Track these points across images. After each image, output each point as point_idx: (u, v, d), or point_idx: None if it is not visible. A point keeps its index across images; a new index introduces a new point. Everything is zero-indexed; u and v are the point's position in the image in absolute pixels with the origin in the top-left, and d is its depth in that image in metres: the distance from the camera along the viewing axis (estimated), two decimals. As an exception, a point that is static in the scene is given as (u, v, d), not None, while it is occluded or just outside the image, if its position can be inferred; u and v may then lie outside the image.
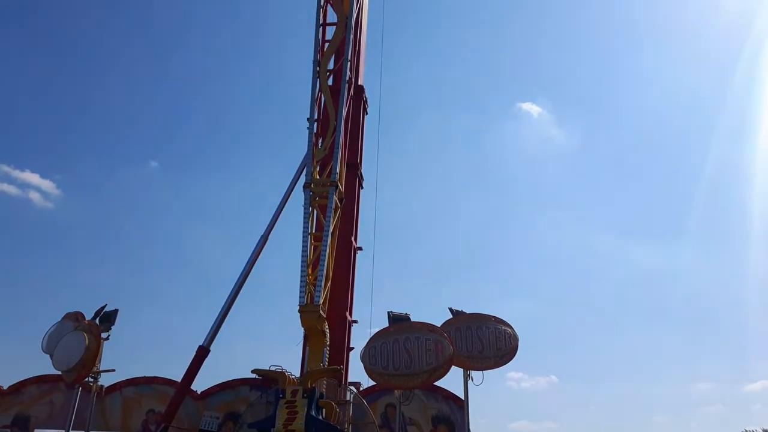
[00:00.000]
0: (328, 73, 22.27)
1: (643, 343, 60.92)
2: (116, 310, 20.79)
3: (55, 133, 68.61)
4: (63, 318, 20.75)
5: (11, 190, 61.25)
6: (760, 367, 56.06)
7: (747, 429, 33.78)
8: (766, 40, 68.65)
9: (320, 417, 15.49)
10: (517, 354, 18.62)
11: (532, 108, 79.88)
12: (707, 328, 64.73)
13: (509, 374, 57.23)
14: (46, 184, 63.94)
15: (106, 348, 20.29)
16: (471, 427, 18.18)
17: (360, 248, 23.96)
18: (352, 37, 22.45)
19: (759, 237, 61.02)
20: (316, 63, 21.61)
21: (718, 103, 76.06)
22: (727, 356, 60.01)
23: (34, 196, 63.58)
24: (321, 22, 22.68)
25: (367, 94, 26.20)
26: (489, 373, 18.47)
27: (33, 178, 62.95)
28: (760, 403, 56.72)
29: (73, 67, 71.80)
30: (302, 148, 20.46)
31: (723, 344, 62.11)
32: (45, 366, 20.66)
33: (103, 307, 20.78)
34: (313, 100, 21.00)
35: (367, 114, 26.24)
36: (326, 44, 22.52)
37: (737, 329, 61.64)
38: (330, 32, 22.92)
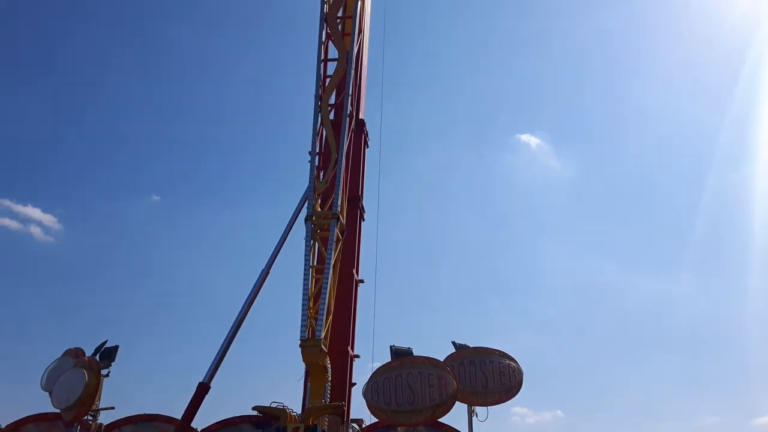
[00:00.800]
0: (329, 108, 22.52)
1: (649, 375, 60.03)
2: (117, 347, 20.67)
3: (57, 168, 69.11)
4: (63, 354, 20.60)
5: (12, 224, 61.39)
6: (767, 399, 55.13)
7: None
8: (761, 70, 69.30)
9: (322, 455, 15.23)
10: (521, 388, 18.41)
11: (530, 139, 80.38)
12: (713, 359, 63.90)
13: (514, 409, 56.18)
14: (48, 219, 64.09)
15: (106, 385, 20.13)
16: (476, 465, 17.84)
17: (361, 281, 23.84)
18: (352, 72, 22.75)
19: (761, 266, 60.66)
20: (318, 98, 21.87)
21: (715, 133, 76.41)
22: (734, 389, 59.05)
23: (35, 230, 63.71)
24: (322, 58, 23.02)
25: (368, 127, 26.44)
26: (493, 409, 18.28)
27: (34, 212, 63.14)
28: (769, 437, 55.52)
29: (74, 102, 72.71)
30: (304, 182, 20.54)
31: (729, 376, 61.16)
32: (44, 404, 20.46)
33: (104, 343, 20.66)
34: (315, 133, 21.19)
35: (368, 147, 26.43)
36: (327, 79, 22.81)
37: (743, 360, 60.80)
38: (331, 68, 23.25)
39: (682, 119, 78.87)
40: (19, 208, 62.21)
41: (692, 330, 64.12)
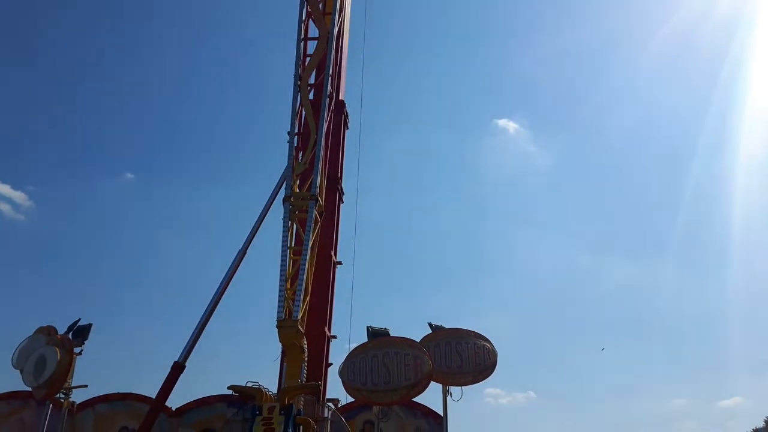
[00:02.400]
0: (309, 88, 22.30)
1: (620, 358, 61.44)
2: (90, 325, 20.48)
3: (28, 144, 67.63)
4: (35, 332, 20.34)
5: (-18, 201, 60.07)
6: (734, 383, 56.86)
7: None
8: (744, 59, 70.46)
9: (297, 434, 15.31)
10: (495, 369, 18.67)
11: (508, 124, 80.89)
12: (684, 344, 65.53)
13: (487, 390, 57.26)
14: (18, 196, 62.91)
15: (79, 363, 19.95)
16: (449, 444, 18.10)
17: (339, 262, 23.87)
18: (333, 52, 22.52)
19: (735, 253, 62.16)
20: (297, 77, 21.63)
21: (696, 124, 77.72)
22: (702, 372, 60.78)
23: (4, 207, 62.53)
24: (302, 36, 22.72)
25: (348, 108, 26.27)
26: (467, 389, 18.52)
27: (4, 189, 61.87)
28: (734, 419, 57.44)
29: (47, 77, 71.04)
30: (282, 162, 20.40)
31: (699, 361, 62.93)
32: (15, 382, 20.23)
33: (77, 321, 20.45)
34: (294, 114, 20.99)
35: (347, 129, 26.29)
36: (307, 59, 22.57)
37: (713, 346, 62.53)
38: (311, 47, 22.98)
39: (663, 110, 80.00)
40: (-11, 185, 60.90)
41: (666, 316, 65.78)
